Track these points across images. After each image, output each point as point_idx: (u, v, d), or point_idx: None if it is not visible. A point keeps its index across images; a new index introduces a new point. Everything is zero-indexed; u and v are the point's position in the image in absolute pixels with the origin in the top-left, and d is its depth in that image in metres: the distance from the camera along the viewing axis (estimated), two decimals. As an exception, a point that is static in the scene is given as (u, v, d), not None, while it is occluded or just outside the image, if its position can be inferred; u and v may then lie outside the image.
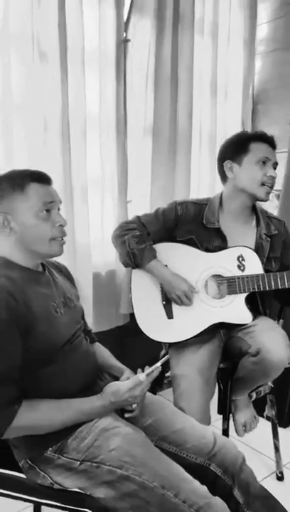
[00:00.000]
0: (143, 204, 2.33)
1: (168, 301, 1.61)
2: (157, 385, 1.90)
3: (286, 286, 1.51)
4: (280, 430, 1.85)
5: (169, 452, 1.21)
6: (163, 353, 1.76)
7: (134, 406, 1.20)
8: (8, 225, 1.13)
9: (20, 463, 1.14)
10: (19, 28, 1.81)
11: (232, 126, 2.65)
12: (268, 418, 1.84)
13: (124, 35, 2.17)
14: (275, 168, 1.62)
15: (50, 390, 1.12)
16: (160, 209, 1.69)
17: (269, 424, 1.84)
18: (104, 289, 2.22)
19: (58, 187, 1.96)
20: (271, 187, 1.60)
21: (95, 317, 2.18)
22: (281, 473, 1.83)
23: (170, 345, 1.63)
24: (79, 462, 1.08)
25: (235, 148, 1.63)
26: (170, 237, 1.66)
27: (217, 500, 1.08)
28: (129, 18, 2.18)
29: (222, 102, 2.61)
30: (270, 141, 1.63)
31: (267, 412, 1.79)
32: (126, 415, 1.21)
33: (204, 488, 1.10)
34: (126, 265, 1.65)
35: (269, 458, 1.91)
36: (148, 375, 1.17)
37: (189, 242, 1.63)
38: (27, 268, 1.17)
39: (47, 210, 1.15)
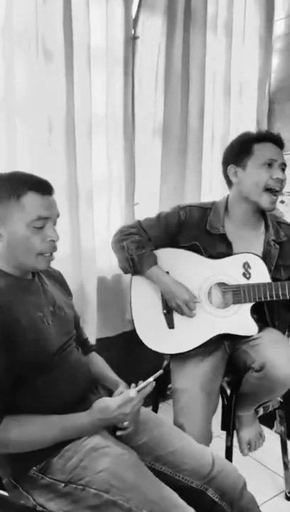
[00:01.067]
0: (151, 207, 2.25)
1: (169, 310, 1.53)
2: (160, 396, 1.82)
3: (295, 297, 1.41)
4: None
5: (163, 474, 1.14)
6: (165, 363, 1.68)
7: (126, 424, 1.12)
8: None
9: (4, 481, 1.08)
10: (23, 26, 1.77)
11: (247, 126, 2.55)
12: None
13: (133, 32, 2.11)
14: (284, 170, 1.51)
15: (38, 403, 1.06)
16: (163, 213, 1.61)
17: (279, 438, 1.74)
18: (109, 294, 2.16)
19: (62, 189, 1.94)
20: (279, 190, 1.49)
21: (100, 322, 2.12)
22: (291, 492, 1.73)
23: (172, 356, 1.55)
24: (63, 484, 1.02)
25: (238, 151, 1.53)
26: (173, 242, 1.57)
27: None
28: (138, 15, 2.11)
29: (235, 101, 2.51)
30: (276, 141, 1.52)
31: (276, 428, 1.69)
32: (118, 433, 1.13)
33: None
34: (125, 271, 1.58)
35: (279, 475, 1.81)
36: (139, 391, 1.10)
37: (192, 248, 1.54)
38: (14, 276, 1.11)
39: (42, 223, 1.07)
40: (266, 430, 2.03)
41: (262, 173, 1.47)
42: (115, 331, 2.19)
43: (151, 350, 1.55)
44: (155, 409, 1.72)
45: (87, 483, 1.00)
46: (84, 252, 2.03)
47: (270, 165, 1.48)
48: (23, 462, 1.05)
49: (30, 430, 1.02)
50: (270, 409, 1.63)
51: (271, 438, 1.73)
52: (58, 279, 1.32)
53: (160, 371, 1.12)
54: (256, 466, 1.90)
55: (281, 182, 1.49)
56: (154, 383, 1.12)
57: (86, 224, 2.01)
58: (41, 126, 1.86)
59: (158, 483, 1.05)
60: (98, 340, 2.09)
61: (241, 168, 1.52)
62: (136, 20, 2.11)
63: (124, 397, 1.08)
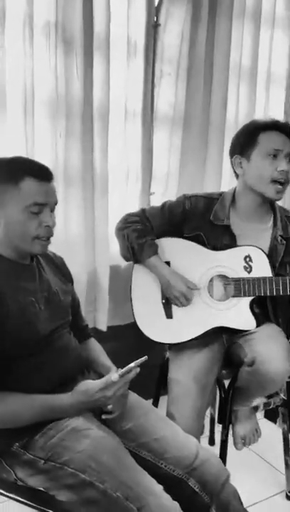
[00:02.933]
0: (169, 197, 2.21)
1: (167, 300, 1.52)
2: (161, 387, 1.82)
3: (295, 293, 1.37)
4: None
5: (146, 460, 1.14)
6: (165, 354, 1.67)
7: (110, 407, 1.13)
8: None
9: (-12, 455, 1.12)
10: (43, 15, 1.79)
11: (275, 115, 2.48)
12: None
13: (155, 19, 2.09)
14: (289, 161, 1.45)
15: (26, 384, 1.09)
16: (168, 202, 1.59)
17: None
18: (121, 283, 2.16)
19: (77, 175, 1.96)
20: (285, 182, 1.44)
21: (111, 311, 2.14)
22: (292, 492, 1.69)
23: (170, 347, 1.55)
24: (43, 461, 1.05)
25: (243, 141, 1.48)
26: (178, 232, 1.56)
27: None
28: (160, 2, 2.09)
29: (262, 91, 2.44)
30: (283, 129, 1.45)
31: (279, 425, 1.66)
32: (104, 416, 1.15)
33: (173, 505, 1.02)
34: (126, 259, 1.58)
35: (281, 473, 1.77)
36: (121, 375, 1.10)
37: (196, 239, 1.52)
38: (10, 260, 1.14)
39: (38, 212, 1.10)
40: (271, 426, 2.01)
41: (266, 165, 1.43)
42: (126, 320, 2.20)
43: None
44: (156, 401, 1.72)
45: (65, 462, 1.02)
46: (97, 239, 2.05)
47: (275, 156, 1.43)
48: (6, 438, 1.08)
49: (12, 407, 1.05)
50: (272, 406, 1.60)
51: (276, 434, 1.69)
52: (59, 266, 1.34)
53: (145, 357, 1.11)
54: (260, 462, 1.88)
55: (286, 174, 1.43)
56: (138, 369, 1.12)
57: (100, 211, 2.02)
58: (60, 114, 1.88)
59: (137, 469, 1.06)
60: (109, 328, 2.11)
61: (245, 159, 1.48)
62: (158, 7, 2.09)
63: (105, 381, 1.09)
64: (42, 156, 1.85)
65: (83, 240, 2.03)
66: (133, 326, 2.21)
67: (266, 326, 1.46)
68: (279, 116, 2.50)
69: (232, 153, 1.54)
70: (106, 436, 1.09)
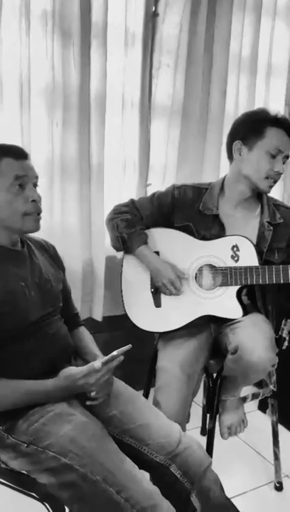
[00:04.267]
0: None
1: (156, 289, 1.53)
2: (152, 378, 1.84)
3: (281, 282, 1.37)
4: (282, 435, 1.72)
5: (130, 446, 1.16)
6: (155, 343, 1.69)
7: (93, 394, 1.15)
8: None
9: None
10: (40, 4, 1.79)
11: (275, 106, 2.45)
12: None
13: (153, 9, 2.08)
14: (284, 162, 1.46)
15: (12, 370, 1.10)
16: (157, 193, 1.60)
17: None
18: (117, 273, 2.16)
19: (73, 164, 1.97)
20: (276, 181, 1.46)
21: (107, 301, 2.15)
22: (280, 483, 1.70)
23: (160, 335, 1.56)
24: (26, 445, 1.06)
25: (249, 129, 1.47)
26: (167, 222, 1.57)
27: (165, 505, 1.02)
28: (160, -8, 2.07)
29: (262, 82, 2.42)
30: (287, 128, 1.45)
31: (268, 415, 1.66)
32: (88, 403, 1.17)
33: (154, 489, 1.04)
34: (116, 250, 1.60)
35: (271, 463, 1.78)
36: (104, 363, 1.12)
37: (185, 229, 1.53)
38: (2, 246, 1.16)
39: (20, 185, 1.13)
40: (259, 415, 2.02)
41: (265, 163, 1.45)
42: (122, 310, 2.21)
43: (150, 332, 1.56)
44: (146, 392, 1.73)
45: (47, 446, 1.04)
46: (93, 230, 2.06)
47: (274, 156, 1.44)
48: (-11, 422, 1.10)
49: (1, 392, 1.07)
50: (261, 397, 1.61)
51: (264, 422, 1.70)
52: (51, 253, 1.36)
53: (128, 346, 1.13)
54: (250, 452, 1.89)
55: (279, 175, 1.47)
56: (122, 357, 1.14)
57: (97, 202, 2.03)
58: (57, 103, 1.89)
59: (119, 455, 1.08)
60: (104, 318, 2.13)
61: (247, 148, 1.48)
62: (157, -4, 2.08)
63: (88, 368, 1.11)
64: (38, 147, 1.86)
65: (79, 231, 2.03)
66: (128, 317, 2.23)
67: (251, 315, 1.47)
68: (280, 107, 2.49)
69: (233, 137, 1.52)
70: (89, 422, 1.10)
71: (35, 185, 1.18)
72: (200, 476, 1.14)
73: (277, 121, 1.46)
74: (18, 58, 1.78)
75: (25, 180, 1.14)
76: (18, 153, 1.15)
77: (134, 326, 1.57)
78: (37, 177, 1.19)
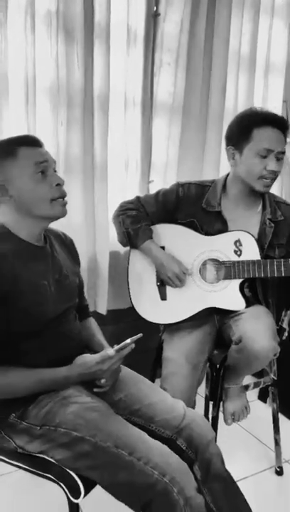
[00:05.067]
0: (168, 185, 2.28)
1: (162, 283, 1.59)
2: (157, 369, 1.89)
3: (282, 275, 1.43)
4: (283, 421, 1.78)
5: (138, 425, 1.21)
6: (161, 336, 1.74)
7: (103, 381, 1.20)
8: (6, 193, 1.14)
9: (-11, 426, 1.20)
10: (44, 4, 1.83)
11: (273, 106, 2.51)
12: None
13: (155, 9, 2.12)
14: (280, 159, 1.48)
15: (27, 363, 1.14)
16: (162, 190, 1.65)
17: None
18: (121, 268, 2.22)
19: (77, 161, 2.01)
20: (273, 179, 1.50)
21: (111, 295, 2.20)
22: (280, 467, 1.77)
23: (165, 327, 1.62)
24: (38, 427, 1.13)
25: (238, 134, 1.52)
26: (172, 219, 1.62)
27: (175, 459, 1.09)
28: (161, -8, 2.12)
29: (261, 79, 2.47)
30: (278, 124, 1.48)
31: (268, 404, 1.73)
32: (95, 390, 1.22)
33: (164, 448, 1.10)
34: (123, 245, 1.65)
35: (272, 450, 1.85)
36: (117, 350, 1.17)
37: (190, 225, 1.58)
38: (25, 241, 1.18)
39: (42, 172, 1.14)
40: (260, 405, 2.09)
41: (256, 163, 1.47)
42: (126, 304, 2.27)
43: (154, 324, 1.63)
44: (151, 381, 1.79)
45: (57, 425, 1.11)
46: (97, 226, 2.10)
47: (265, 156, 1.47)
48: (3, 409, 1.16)
49: (12, 379, 1.12)
50: (262, 385, 1.67)
51: (265, 411, 1.76)
52: (69, 247, 1.39)
53: (140, 335, 1.19)
54: (251, 440, 1.96)
55: (274, 173, 1.48)
56: (133, 345, 1.19)
57: (100, 199, 2.07)
58: (59, 101, 1.93)
59: (125, 423, 1.14)
60: (109, 311, 2.18)
61: (238, 152, 1.53)
62: (158, -4, 2.12)
63: (102, 355, 1.17)
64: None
65: (83, 227, 2.08)
66: (132, 310, 2.28)
67: (254, 307, 1.53)
68: (278, 104, 2.54)
69: (226, 142, 1.58)
70: (94, 401, 1.16)
71: (54, 170, 1.19)
72: (204, 447, 1.20)
73: (264, 121, 1.48)
74: (24, 58, 1.82)
75: (46, 166, 1.15)
76: (33, 142, 1.17)
77: (141, 318, 1.62)
78: (55, 162, 1.20)
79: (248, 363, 1.43)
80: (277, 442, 1.76)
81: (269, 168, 1.47)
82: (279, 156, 1.49)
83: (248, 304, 1.51)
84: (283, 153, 1.50)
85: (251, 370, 1.50)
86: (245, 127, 1.50)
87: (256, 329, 1.39)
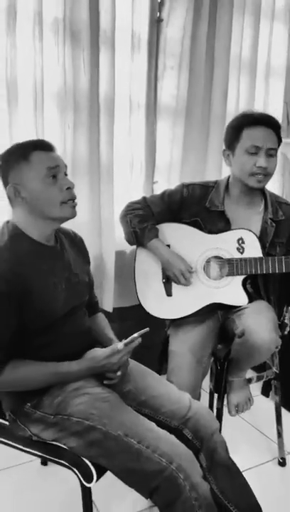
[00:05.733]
0: (172, 186, 2.34)
1: (168, 280, 1.65)
2: (163, 363, 1.95)
3: (284, 271, 1.49)
4: (285, 414, 1.84)
5: (146, 416, 1.27)
6: (167, 332, 1.80)
7: (112, 374, 1.26)
8: (19, 194, 1.19)
9: (6, 415, 1.26)
10: (51, 12, 1.89)
11: (274, 108, 2.57)
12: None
13: (158, 15, 2.18)
14: (272, 155, 1.55)
15: (37, 358, 1.20)
16: (167, 191, 1.72)
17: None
18: (126, 267, 2.28)
19: (85, 167, 2.08)
20: (265, 175, 1.56)
21: (117, 293, 2.26)
22: (283, 459, 1.83)
23: (171, 322, 1.68)
24: (52, 416, 1.19)
25: (231, 136, 1.60)
26: (177, 218, 1.68)
27: (181, 448, 1.15)
28: (164, -2, 2.18)
29: (262, 82, 2.53)
30: (267, 123, 1.55)
31: (271, 397, 1.78)
32: (105, 382, 1.28)
33: (170, 437, 1.17)
34: (130, 243, 1.71)
35: (274, 442, 1.91)
36: (126, 344, 1.23)
37: (194, 224, 1.65)
38: (37, 242, 1.23)
39: (53, 176, 1.20)
40: (263, 399, 2.15)
41: (246, 161, 1.55)
42: (131, 302, 2.33)
43: (160, 320, 1.69)
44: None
45: (70, 414, 1.17)
46: (103, 226, 2.16)
47: (255, 152, 1.53)
48: (19, 399, 1.22)
49: (24, 373, 1.18)
50: (264, 378, 1.73)
51: (268, 405, 1.82)
52: (79, 245, 1.44)
53: (146, 329, 1.25)
54: (254, 433, 2.01)
55: (264, 170, 1.55)
56: (140, 339, 1.25)
57: (106, 200, 2.13)
58: (67, 106, 1.99)
59: (133, 413, 1.21)
60: (115, 309, 2.24)
61: (231, 153, 1.60)
62: (161, 2, 2.18)
63: (111, 349, 1.23)
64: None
65: (90, 227, 2.14)
66: (138, 308, 2.34)
67: (256, 302, 1.59)
68: (278, 106, 2.60)
69: (224, 145, 1.65)
70: (104, 392, 1.23)
71: (65, 174, 1.25)
72: (208, 437, 1.27)
73: (254, 121, 1.56)
74: (32, 64, 1.88)
75: (57, 171, 1.21)
76: (46, 146, 1.22)
77: (146, 314, 1.68)
78: (66, 166, 1.26)
79: (251, 355, 1.49)
80: (280, 434, 1.82)
81: (258, 164, 1.54)
82: (270, 153, 1.55)
83: (250, 300, 1.57)
84: (274, 149, 1.57)
85: (254, 362, 1.56)
86: (236, 128, 1.58)
87: (258, 323, 1.45)
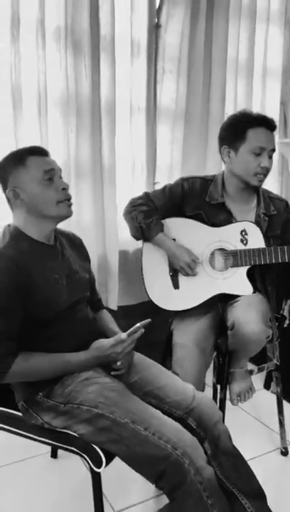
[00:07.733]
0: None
1: (175, 273, 1.71)
2: (167, 357, 2.01)
3: (286, 260, 1.55)
4: (286, 406, 1.89)
5: (152, 405, 1.32)
6: (171, 326, 1.86)
7: (118, 364, 1.32)
8: (18, 197, 1.27)
9: (18, 405, 1.32)
10: (53, 21, 1.96)
11: (271, 109, 2.63)
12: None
13: (156, 21, 2.25)
14: (271, 156, 1.63)
15: (46, 349, 1.27)
16: (168, 185, 1.78)
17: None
18: (130, 266, 2.35)
19: (88, 169, 2.14)
20: (265, 175, 1.63)
21: (122, 291, 2.32)
22: (286, 448, 1.88)
23: (175, 314, 1.74)
24: (63, 405, 1.25)
25: (233, 134, 1.65)
26: (180, 212, 1.74)
27: (186, 435, 1.21)
28: (161, 5, 2.25)
29: (258, 84, 2.59)
30: (268, 124, 1.62)
31: (272, 388, 1.84)
32: (112, 373, 1.34)
33: (176, 424, 1.22)
34: (136, 239, 1.78)
35: (276, 433, 1.96)
36: (129, 334, 1.29)
37: (197, 217, 1.71)
38: (37, 241, 1.31)
39: (49, 179, 1.28)
40: (264, 391, 2.20)
41: (251, 161, 1.61)
42: (135, 300, 2.39)
43: (165, 317, 1.75)
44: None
45: (80, 402, 1.23)
46: (107, 226, 2.23)
47: (259, 154, 1.61)
48: (31, 389, 1.28)
49: (34, 364, 1.24)
50: (265, 370, 1.78)
51: (269, 398, 1.87)
52: (78, 245, 1.52)
53: (148, 320, 1.31)
54: (257, 424, 2.06)
55: (267, 170, 1.63)
56: (143, 330, 1.31)
57: (109, 201, 2.20)
58: (69, 111, 2.06)
59: (140, 401, 1.26)
60: (119, 307, 2.30)
61: (233, 151, 1.66)
62: (159, 9, 2.26)
63: (116, 339, 1.29)
64: (55, 151, 2.03)
65: (94, 227, 2.21)
66: (141, 305, 2.40)
67: (249, 295, 1.65)
68: (275, 108, 2.66)
69: (220, 142, 1.71)
70: (112, 382, 1.29)
71: (60, 176, 1.33)
72: (212, 426, 1.32)
73: (256, 122, 1.63)
74: (36, 71, 1.96)
75: (53, 173, 1.29)
76: (41, 151, 1.31)
77: (150, 312, 1.73)
78: (60, 169, 1.35)
79: (243, 346, 1.55)
80: (282, 424, 1.87)
81: (262, 165, 1.61)
82: (270, 154, 1.64)
83: (255, 289, 1.63)
84: (274, 150, 1.65)
85: (248, 352, 1.61)
86: (240, 128, 1.63)
87: (247, 315, 1.51)
